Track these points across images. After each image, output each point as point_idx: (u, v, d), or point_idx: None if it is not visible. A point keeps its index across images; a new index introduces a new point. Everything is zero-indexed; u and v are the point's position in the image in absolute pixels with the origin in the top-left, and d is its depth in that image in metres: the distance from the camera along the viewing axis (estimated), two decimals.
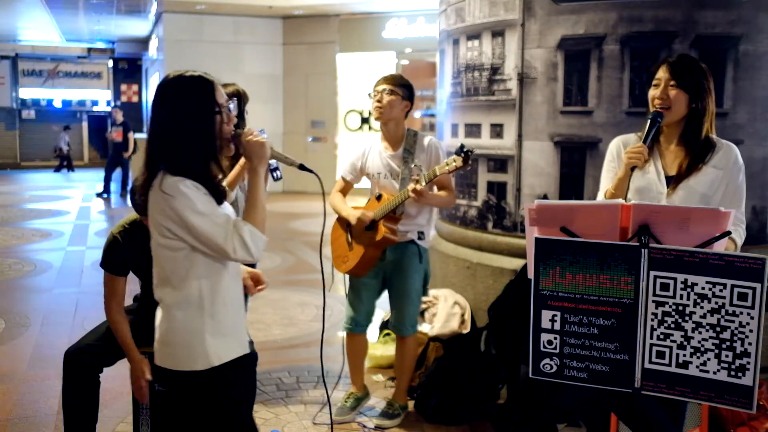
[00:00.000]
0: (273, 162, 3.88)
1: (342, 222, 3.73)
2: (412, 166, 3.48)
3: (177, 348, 2.12)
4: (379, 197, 3.58)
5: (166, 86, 2.11)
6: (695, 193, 2.53)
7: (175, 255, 2.09)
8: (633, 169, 2.49)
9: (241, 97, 3.85)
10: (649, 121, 2.54)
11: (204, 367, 2.10)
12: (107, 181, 14.25)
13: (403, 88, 3.58)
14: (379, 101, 3.55)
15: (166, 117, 2.09)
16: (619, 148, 2.70)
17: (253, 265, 2.72)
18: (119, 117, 14.44)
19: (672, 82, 2.53)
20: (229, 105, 2.17)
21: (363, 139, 3.86)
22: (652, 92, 2.58)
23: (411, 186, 3.35)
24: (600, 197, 2.69)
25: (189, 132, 2.07)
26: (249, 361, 2.25)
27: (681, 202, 2.51)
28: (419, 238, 3.62)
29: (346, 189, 3.79)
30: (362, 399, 3.84)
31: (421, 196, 3.35)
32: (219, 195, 2.11)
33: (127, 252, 2.98)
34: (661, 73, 2.57)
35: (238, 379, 2.20)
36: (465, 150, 3.30)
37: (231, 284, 2.17)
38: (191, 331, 2.10)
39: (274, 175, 3.94)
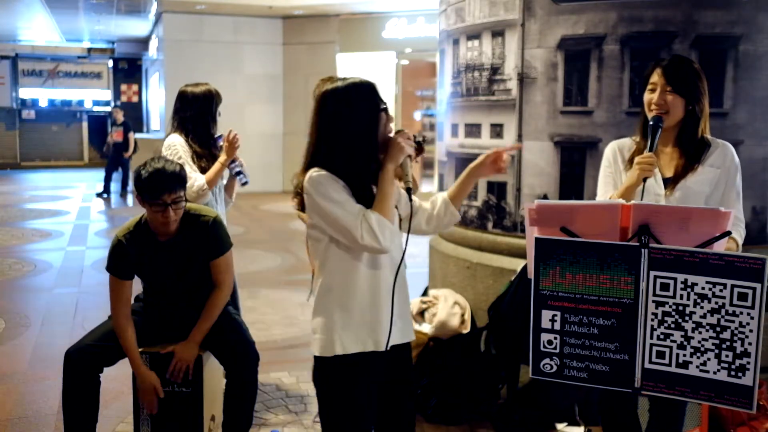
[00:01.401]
0: (236, 166, 3.85)
1: None
2: None
3: (317, 334, 2.24)
4: None
5: (331, 94, 2.20)
6: (693, 193, 2.53)
7: (318, 245, 2.23)
8: (645, 179, 2.48)
9: (213, 98, 3.78)
10: (650, 128, 2.54)
11: (329, 354, 2.20)
12: (107, 181, 14.23)
13: None
14: None
15: (331, 123, 2.19)
16: (615, 153, 2.70)
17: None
18: (119, 117, 14.42)
19: (668, 88, 2.53)
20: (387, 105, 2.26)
21: None
22: (648, 96, 2.58)
23: None
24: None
25: (354, 135, 2.17)
26: (374, 359, 2.25)
27: (679, 203, 2.50)
28: None
29: None
30: None
31: None
32: (365, 197, 2.17)
33: (132, 256, 2.98)
34: (656, 78, 2.56)
35: (359, 374, 2.24)
36: (417, 140, 3.33)
37: (365, 281, 2.21)
38: (326, 319, 2.22)
39: (240, 179, 3.92)
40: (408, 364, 2.43)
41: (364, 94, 2.20)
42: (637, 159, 2.52)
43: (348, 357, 2.21)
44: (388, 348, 2.25)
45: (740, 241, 2.50)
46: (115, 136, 14.32)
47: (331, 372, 2.24)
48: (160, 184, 2.84)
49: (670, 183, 2.57)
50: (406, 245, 2.26)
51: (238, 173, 3.88)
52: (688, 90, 2.53)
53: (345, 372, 2.24)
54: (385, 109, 2.22)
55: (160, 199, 2.84)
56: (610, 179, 2.70)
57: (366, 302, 2.22)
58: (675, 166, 2.58)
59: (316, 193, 2.13)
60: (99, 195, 14.07)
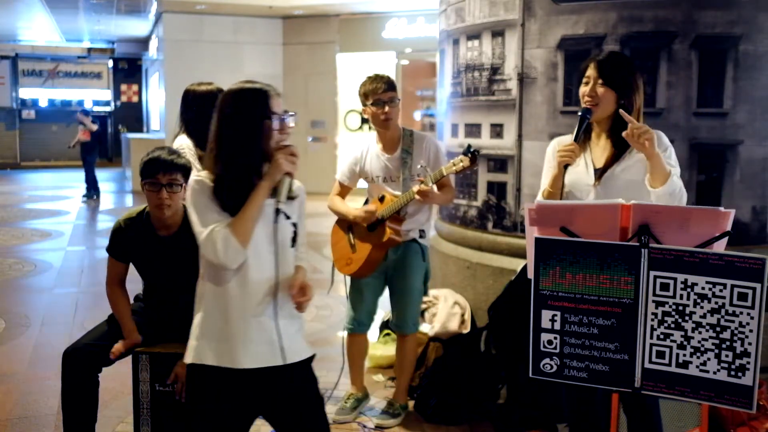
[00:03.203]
0: None
1: (342, 224, 3.71)
2: (418, 167, 3.49)
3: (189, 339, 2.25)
4: (381, 199, 3.57)
5: (222, 98, 2.22)
6: (621, 180, 2.60)
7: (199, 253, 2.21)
8: (566, 167, 2.57)
9: (216, 98, 3.69)
10: (579, 118, 2.62)
11: (187, 360, 2.21)
12: (89, 182, 13.73)
13: (395, 90, 3.58)
14: (387, 112, 3.52)
15: (219, 127, 2.19)
16: (554, 150, 2.78)
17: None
18: (86, 121, 13.74)
19: (600, 81, 2.61)
20: (285, 116, 2.19)
21: (359, 141, 3.83)
22: (582, 89, 2.66)
23: (416, 187, 3.35)
24: (539, 197, 2.74)
25: (234, 142, 2.15)
26: (232, 376, 2.17)
27: (606, 191, 2.59)
28: (420, 237, 3.63)
29: (344, 192, 3.76)
30: (362, 400, 3.84)
31: (426, 197, 3.37)
32: (237, 204, 2.12)
33: (129, 240, 3.02)
34: (590, 71, 2.65)
35: (206, 386, 2.20)
36: (472, 150, 3.33)
37: (232, 299, 2.16)
38: (193, 326, 2.23)
39: None
40: (302, 383, 2.30)
41: (249, 101, 2.16)
42: (558, 148, 2.60)
43: (203, 368, 2.17)
44: (252, 368, 2.16)
45: (676, 181, 2.49)
46: (81, 135, 13.77)
47: (190, 379, 2.24)
48: (157, 163, 2.89)
49: (599, 172, 2.65)
50: (275, 265, 2.20)
51: None
52: (619, 84, 2.61)
53: (200, 382, 2.20)
54: (275, 119, 2.15)
55: (155, 177, 2.88)
56: (550, 174, 2.76)
57: (226, 315, 2.17)
58: (606, 157, 2.66)
59: (187, 197, 2.18)
60: (86, 197, 13.60)
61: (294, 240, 2.25)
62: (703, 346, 1.84)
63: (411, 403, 3.86)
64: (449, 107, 4.66)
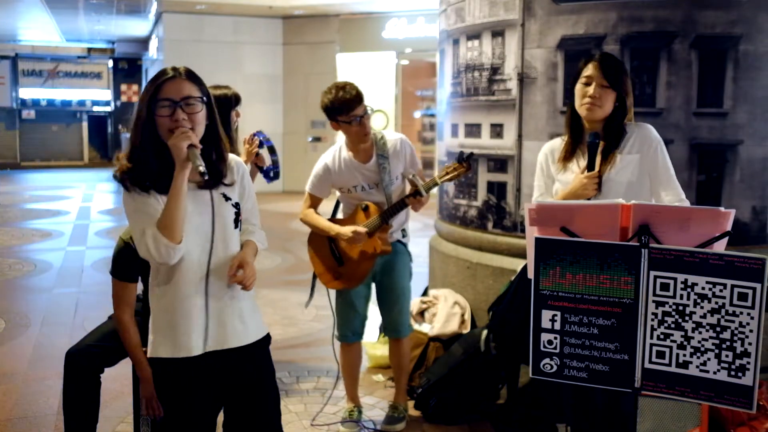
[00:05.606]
0: (269, 164, 3.87)
1: (320, 237, 3.59)
2: (410, 177, 3.39)
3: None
4: (366, 209, 3.48)
5: None
6: (619, 185, 2.60)
7: None
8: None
9: (228, 101, 3.61)
10: (589, 147, 2.61)
11: (148, 355, 2.25)
12: None
13: (364, 99, 3.44)
14: (366, 126, 3.40)
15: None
16: (546, 158, 2.79)
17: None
18: None
19: (604, 82, 2.60)
20: (183, 101, 2.09)
21: (324, 153, 3.66)
22: (583, 89, 2.64)
23: (421, 198, 3.33)
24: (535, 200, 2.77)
25: (133, 129, 2.15)
26: (186, 365, 2.18)
27: (605, 197, 2.58)
28: (403, 236, 3.60)
29: (316, 203, 3.61)
30: (362, 410, 3.80)
31: (422, 205, 3.37)
32: (161, 185, 2.11)
33: (135, 255, 2.96)
34: (591, 71, 2.63)
35: (165, 379, 2.23)
36: (466, 156, 3.31)
37: (173, 289, 2.17)
38: (150, 322, 2.25)
39: (271, 174, 3.91)
40: (256, 366, 2.30)
41: (147, 85, 2.14)
42: (582, 180, 2.57)
43: (161, 361, 2.19)
44: (205, 352, 2.17)
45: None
46: None
47: (154, 376, 2.25)
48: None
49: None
50: (212, 249, 2.18)
51: (269, 171, 3.88)
52: (619, 85, 2.62)
53: (160, 376, 2.23)
54: (161, 104, 2.08)
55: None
56: (542, 182, 2.78)
57: (173, 309, 2.17)
58: (599, 162, 2.64)
59: (125, 204, 2.16)
60: None
61: (237, 221, 2.22)
62: (703, 346, 1.84)
63: (411, 403, 3.86)
64: (449, 107, 4.66)
